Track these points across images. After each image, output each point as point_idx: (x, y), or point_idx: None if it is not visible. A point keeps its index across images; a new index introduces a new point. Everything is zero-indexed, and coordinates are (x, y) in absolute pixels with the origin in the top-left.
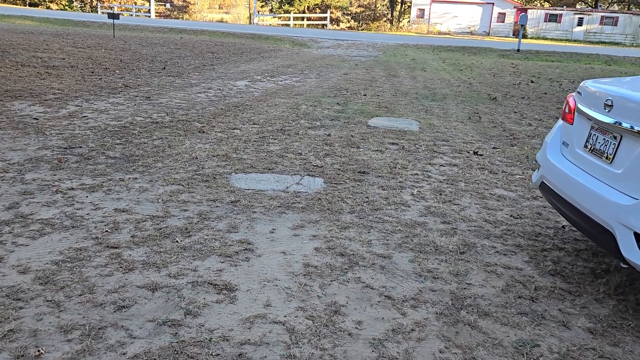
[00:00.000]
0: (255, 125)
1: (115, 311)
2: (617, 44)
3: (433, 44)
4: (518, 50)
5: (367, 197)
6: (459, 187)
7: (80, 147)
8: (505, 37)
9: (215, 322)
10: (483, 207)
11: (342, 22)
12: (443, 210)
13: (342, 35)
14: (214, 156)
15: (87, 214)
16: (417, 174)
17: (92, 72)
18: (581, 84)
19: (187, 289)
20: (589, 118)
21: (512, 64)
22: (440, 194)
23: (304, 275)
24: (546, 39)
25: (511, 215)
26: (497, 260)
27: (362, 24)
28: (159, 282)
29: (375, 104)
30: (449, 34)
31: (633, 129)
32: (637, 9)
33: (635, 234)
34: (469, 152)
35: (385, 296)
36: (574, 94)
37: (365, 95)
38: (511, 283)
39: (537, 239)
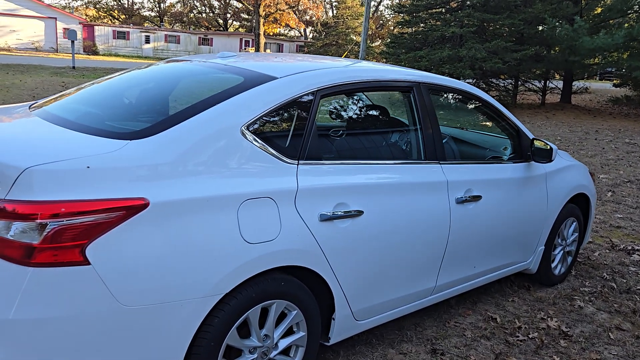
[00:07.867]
0: None
1: None
2: None
3: None
4: (73, 67)
5: None
6: None
7: None
8: (77, 53)
9: None
10: None
11: None
12: None
13: None
14: None
15: None
16: None
17: None
18: None
19: None
20: None
21: (63, 82)
22: None
23: None
24: (118, 55)
25: None
26: None
27: None
28: None
29: None
30: (8, 50)
31: None
32: (195, 29)
33: None
34: None
35: None
36: None
37: None
38: None
39: None
